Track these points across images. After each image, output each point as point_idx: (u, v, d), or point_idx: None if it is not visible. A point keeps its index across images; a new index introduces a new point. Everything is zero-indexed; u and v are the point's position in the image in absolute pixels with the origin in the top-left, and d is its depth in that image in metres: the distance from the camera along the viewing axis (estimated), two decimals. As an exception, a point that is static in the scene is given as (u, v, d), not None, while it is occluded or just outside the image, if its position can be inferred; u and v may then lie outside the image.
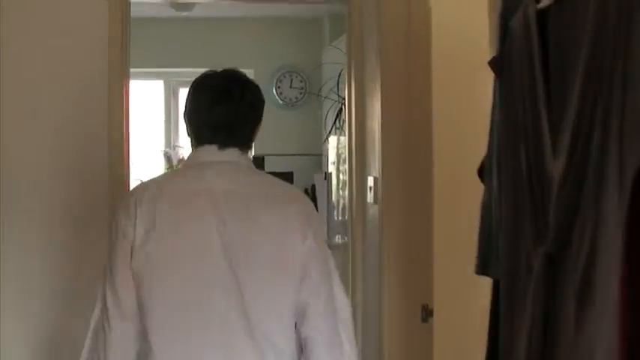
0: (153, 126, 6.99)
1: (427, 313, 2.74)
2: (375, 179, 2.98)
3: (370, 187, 3.06)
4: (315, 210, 2.21)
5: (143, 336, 2.00)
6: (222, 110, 2.09)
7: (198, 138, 2.12)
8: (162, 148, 6.79)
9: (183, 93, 6.85)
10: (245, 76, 2.20)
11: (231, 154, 2.09)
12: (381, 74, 2.94)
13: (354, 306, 3.28)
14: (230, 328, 1.98)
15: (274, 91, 6.72)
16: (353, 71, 3.29)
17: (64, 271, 2.90)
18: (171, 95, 6.88)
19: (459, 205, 2.66)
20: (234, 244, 1.99)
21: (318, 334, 2.04)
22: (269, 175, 2.30)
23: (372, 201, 3.04)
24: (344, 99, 3.88)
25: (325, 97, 4.04)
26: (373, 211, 3.04)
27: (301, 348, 2.06)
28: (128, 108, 3.08)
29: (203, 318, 1.98)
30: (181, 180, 2.15)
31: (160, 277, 1.99)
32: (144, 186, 2.20)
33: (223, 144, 2.08)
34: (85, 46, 2.99)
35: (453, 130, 2.70)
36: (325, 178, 4.12)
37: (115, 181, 2.98)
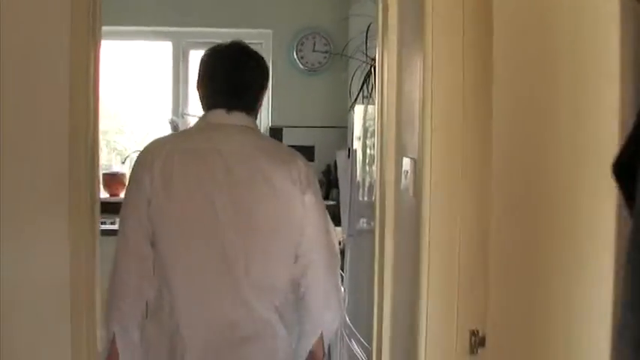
0: (160, 92, 6.29)
1: (477, 342, 2.11)
2: (413, 162, 2.27)
3: (406, 172, 2.35)
4: (312, 170, 2.41)
5: (160, 280, 2.29)
6: (229, 76, 2.37)
7: (208, 103, 2.39)
8: (170, 116, 6.09)
9: (194, 55, 6.17)
10: (249, 47, 2.47)
11: (238, 117, 2.35)
12: (423, 25, 2.20)
13: (380, 315, 2.65)
14: (231, 272, 2.25)
15: (295, 54, 5.98)
16: (387, 22, 2.57)
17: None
18: (180, 58, 6.14)
19: (527, 205, 1.97)
20: (243, 197, 2.27)
21: (316, 276, 2.35)
22: (272, 139, 2.61)
23: (408, 190, 2.33)
24: (373, 59, 3.16)
25: (351, 57, 3.28)
26: (409, 204, 2.33)
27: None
28: (98, 76, 2.49)
29: (211, 261, 2.26)
30: (194, 139, 2.39)
31: (176, 226, 2.26)
32: (159, 142, 2.44)
33: (230, 107, 2.33)
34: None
35: (523, 102, 1.99)
36: (349, 156, 3.39)
37: (78, 164, 2.36)
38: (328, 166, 5.82)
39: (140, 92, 6.34)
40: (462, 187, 2.11)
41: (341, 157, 3.49)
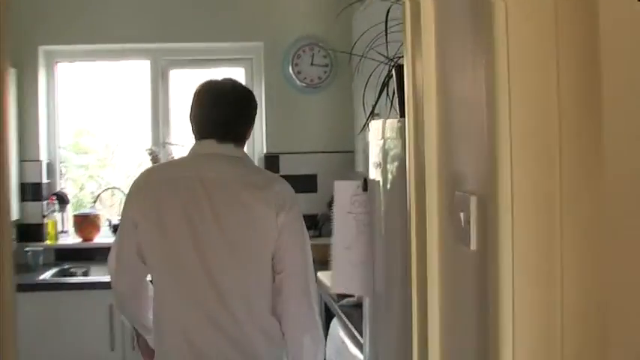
0: (137, 118, 5.52)
1: None
2: (480, 202, 1.48)
3: (462, 215, 1.56)
4: (290, 194, 2.61)
5: (155, 301, 2.62)
6: (221, 110, 2.63)
7: (201, 133, 2.64)
8: (149, 145, 5.31)
9: (176, 75, 5.43)
10: (240, 83, 2.78)
11: (227, 147, 2.62)
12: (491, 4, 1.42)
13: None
14: (210, 286, 2.49)
15: (290, 69, 5.22)
16: (419, 3, 1.80)
17: None
18: (159, 78, 5.38)
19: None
20: (222, 222, 2.48)
21: (290, 294, 2.54)
22: (256, 167, 3.05)
23: (467, 241, 1.54)
24: (393, 59, 2.39)
25: (363, 57, 2.49)
26: (468, 257, 1.55)
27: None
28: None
29: (192, 276, 2.50)
30: (181, 168, 2.68)
31: (162, 253, 2.54)
32: (149, 171, 2.83)
33: (221, 139, 2.61)
34: None
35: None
36: (365, 189, 2.60)
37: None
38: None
39: (124, 120, 5.59)
40: (561, 236, 1.32)
41: (340, 189, 2.67)
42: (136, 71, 5.47)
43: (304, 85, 5.23)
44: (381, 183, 2.52)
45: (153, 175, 2.68)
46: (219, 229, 2.48)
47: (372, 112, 2.47)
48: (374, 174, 2.58)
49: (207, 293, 2.49)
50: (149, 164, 5.20)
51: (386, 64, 2.39)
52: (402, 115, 2.27)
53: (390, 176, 2.43)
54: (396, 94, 2.32)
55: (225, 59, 5.43)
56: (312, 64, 5.22)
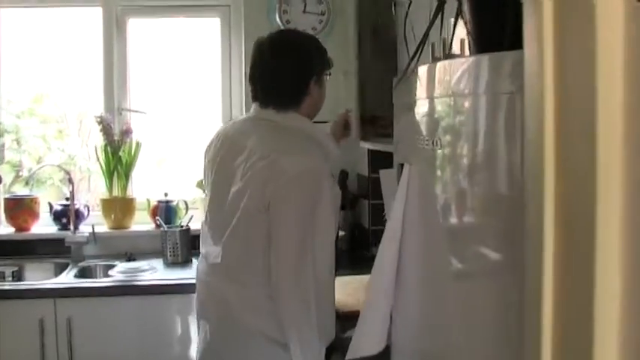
0: (88, 77, 4.47)
1: None
2: None
3: None
4: (298, 166, 2.32)
5: None
6: (257, 72, 2.49)
7: (252, 96, 2.56)
8: (101, 111, 4.26)
9: (135, 25, 4.37)
10: (288, 34, 2.65)
11: (267, 113, 2.49)
12: None
13: None
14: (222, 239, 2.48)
15: (278, 18, 4.19)
16: None
17: None
18: (114, 28, 4.31)
19: None
20: (229, 185, 2.43)
21: (275, 275, 2.33)
22: (290, 136, 2.46)
23: None
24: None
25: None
26: None
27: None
28: None
29: (215, 225, 2.54)
30: (230, 132, 2.60)
31: (208, 202, 2.62)
32: (219, 130, 2.73)
33: (263, 102, 2.49)
34: None
35: None
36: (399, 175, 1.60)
37: None
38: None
39: (85, 83, 4.55)
40: None
41: (388, 179, 1.71)
42: (87, 20, 4.42)
43: (295, 38, 4.21)
44: (432, 175, 1.51)
45: (216, 135, 2.69)
46: (226, 194, 2.45)
47: (422, 44, 1.43)
48: (413, 157, 1.56)
49: (213, 255, 2.54)
50: (100, 136, 4.18)
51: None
52: (482, 50, 1.28)
53: (444, 145, 1.42)
54: (467, 17, 1.30)
55: (195, 6, 4.38)
56: (304, 11, 4.19)
